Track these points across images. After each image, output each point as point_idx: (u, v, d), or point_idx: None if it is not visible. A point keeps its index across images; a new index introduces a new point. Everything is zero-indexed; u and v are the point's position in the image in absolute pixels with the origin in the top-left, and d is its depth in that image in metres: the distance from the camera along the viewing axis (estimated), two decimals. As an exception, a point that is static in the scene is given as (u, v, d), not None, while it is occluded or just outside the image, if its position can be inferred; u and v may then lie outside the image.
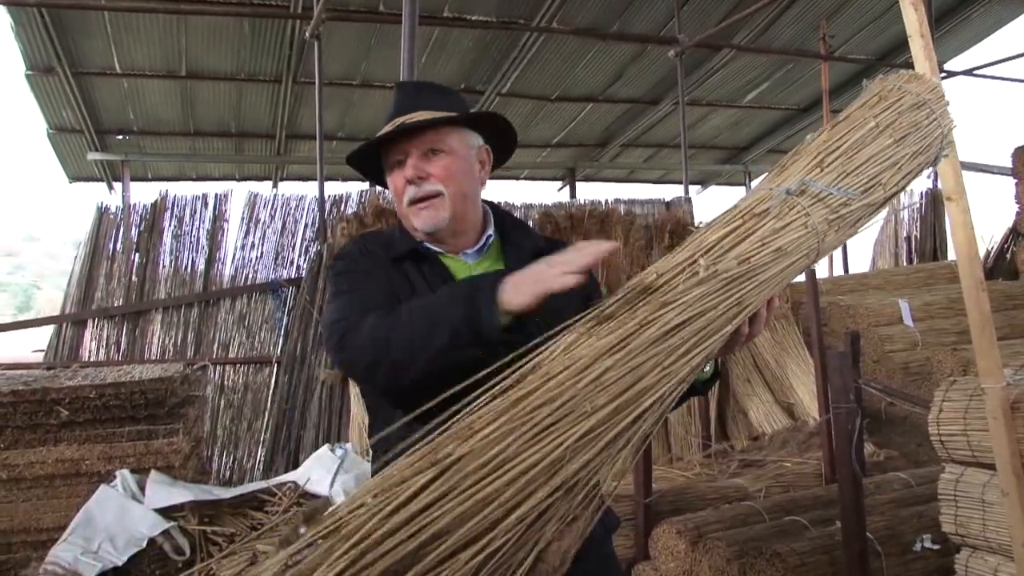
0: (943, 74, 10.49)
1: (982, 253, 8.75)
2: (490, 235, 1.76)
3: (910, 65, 2.12)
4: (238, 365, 7.35)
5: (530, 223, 7.25)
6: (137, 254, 7.51)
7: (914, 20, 2.11)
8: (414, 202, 1.69)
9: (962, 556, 2.52)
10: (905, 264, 9.98)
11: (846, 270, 9.03)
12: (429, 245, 1.73)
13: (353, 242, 1.79)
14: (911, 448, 5.38)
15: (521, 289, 1.34)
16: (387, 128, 1.68)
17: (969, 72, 11.18)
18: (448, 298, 1.44)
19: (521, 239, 1.78)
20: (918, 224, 10.47)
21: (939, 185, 10.83)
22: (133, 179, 10.54)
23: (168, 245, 7.58)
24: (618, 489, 3.70)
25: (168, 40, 8.39)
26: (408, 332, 1.44)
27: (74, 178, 11.16)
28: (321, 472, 4.79)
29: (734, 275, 1.25)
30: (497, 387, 1.15)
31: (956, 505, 2.49)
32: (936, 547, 3.08)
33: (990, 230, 9.12)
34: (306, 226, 7.82)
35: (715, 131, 12.92)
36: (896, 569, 3.07)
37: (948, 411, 2.52)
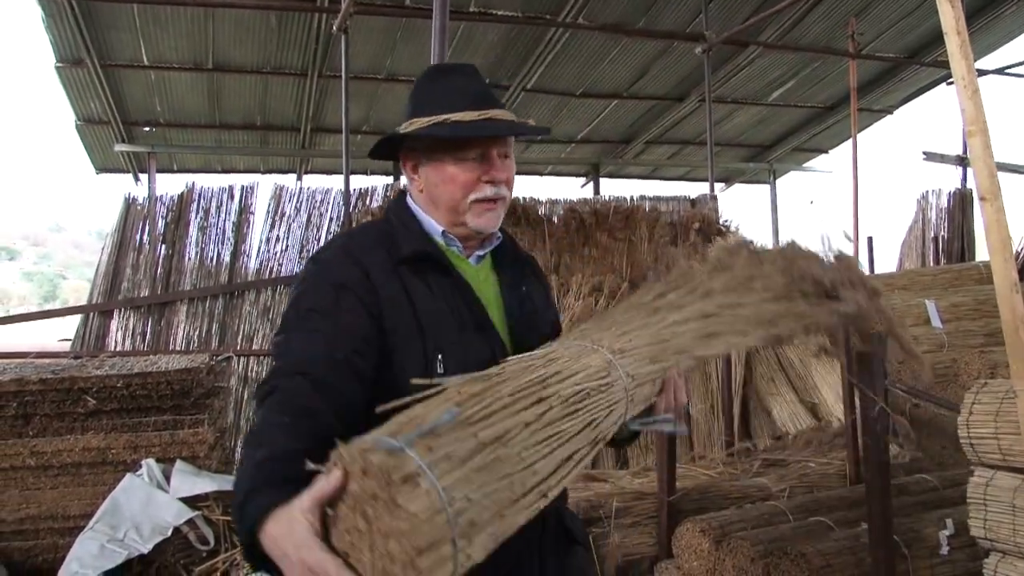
0: (973, 73, 10.35)
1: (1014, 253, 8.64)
2: (499, 237, 1.74)
3: (941, 63, 2.10)
4: (262, 357, 7.41)
5: (554, 219, 7.25)
6: (163, 245, 7.59)
7: (951, 16, 2.08)
8: (481, 201, 1.62)
9: (991, 561, 2.49)
10: (932, 265, 9.88)
11: (872, 270, 8.93)
12: (442, 244, 1.65)
13: (334, 245, 1.64)
14: (936, 450, 5.33)
15: (274, 549, 1.13)
16: (471, 116, 1.57)
17: (1001, 71, 11.04)
18: (248, 479, 1.25)
19: (508, 246, 1.77)
20: (946, 224, 10.36)
21: (968, 185, 10.72)
22: (159, 171, 10.64)
23: (194, 237, 7.65)
24: (642, 486, 3.69)
25: (195, 33, 8.44)
26: (241, 467, 1.32)
27: (101, 169, 11.26)
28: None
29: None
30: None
31: (986, 509, 2.46)
32: (952, 532, 3.06)
33: (1021, 231, 9.00)
34: (331, 220, 7.86)
35: (740, 129, 12.84)
36: (923, 572, 3.04)
37: (979, 413, 2.49)
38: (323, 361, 1.42)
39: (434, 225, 1.65)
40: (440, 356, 1.51)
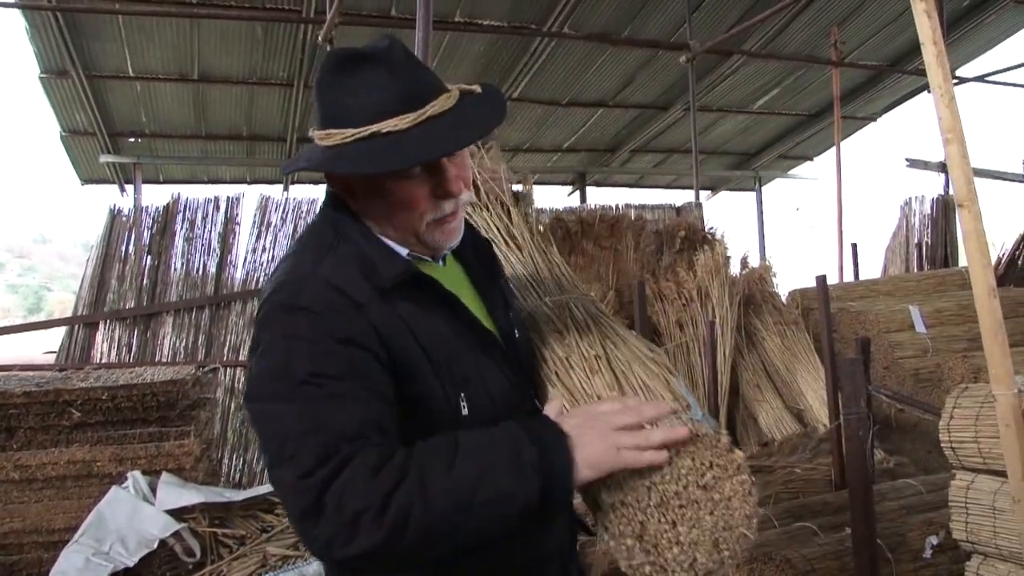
0: (955, 80, 10.45)
1: (994, 259, 8.72)
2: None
3: (923, 71, 2.13)
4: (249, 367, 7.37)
5: (540, 228, 7.24)
6: (149, 257, 7.54)
7: (927, 27, 2.10)
8: (439, 219, 1.34)
9: (973, 563, 2.51)
10: (916, 270, 9.95)
11: (856, 276, 8.99)
12: (416, 255, 1.39)
13: (312, 283, 1.25)
14: (921, 455, 5.36)
15: (594, 463, 1.20)
16: (407, 122, 1.24)
17: (981, 79, 11.16)
18: (507, 465, 1.15)
19: (467, 232, 1.49)
20: (929, 230, 10.43)
21: (950, 191, 10.80)
22: (145, 182, 10.62)
23: (180, 248, 7.61)
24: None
25: (181, 44, 8.44)
26: (450, 504, 1.11)
27: (86, 180, 11.22)
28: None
29: None
30: None
31: (967, 512, 2.48)
32: (939, 541, 3.09)
33: (1002, 236, 9.08)
34: (317, 230, 7.83)
35: (725, 137, 12.93)
36: (906, 576, 3.07)
37: (959, 418, 2.51)
38: (362, 423, 1.17)
39: (395, 245, 1.37)
40: (463, 395, 1.31)
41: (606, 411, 1.25)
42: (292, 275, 1.29)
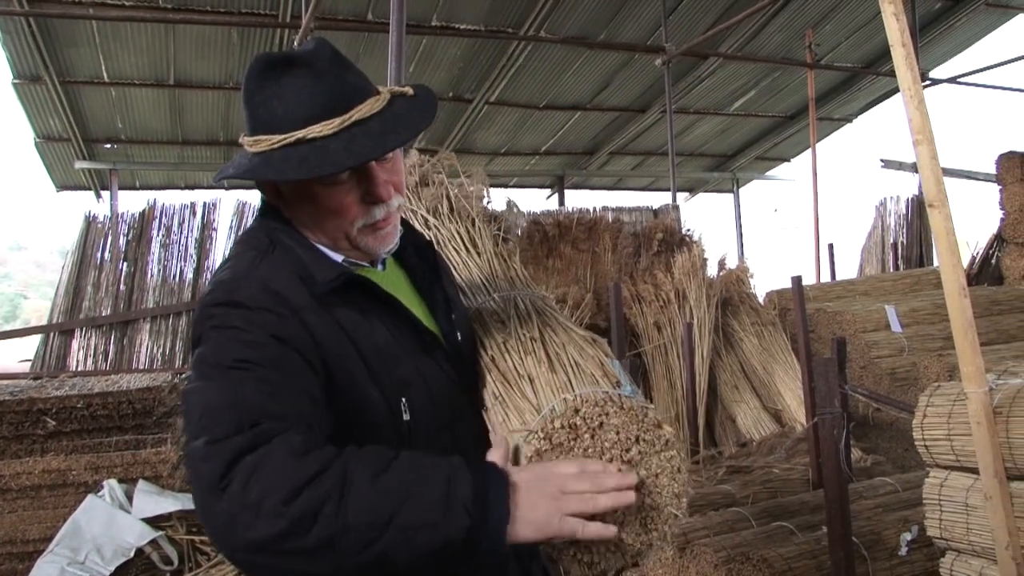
0: (927, 82, 10.58)
1: (967, 259, 8.81)
2: (401, 229, 1.44)
3: (895, 73, 2.15)
4: (227, 374, 7.32)
5: (518, 232, 7.27)
6: (125, 263, 7.50)
7: (896, 29, 2.13)
8: (371, 225, 1.33)
9: (947, 560, 2.53)
10: (892, 270, 10.04)
11: (833, 276, 9.06)
12: (352, 261, 1.37)
13: (249, 283, 1.24)
14: (898, 453, 5.41)
15: (537, 525, 1.08)
16: (332, 128, 1.23)
17: (953, 80, 11.28)
18: (437, 491, 1.04)
19: (407, 233, 1.49)
20: (904, 230, 10.54)
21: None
22: (121, 188, 10.54)
23: (156, 254, 7.57)
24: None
25: (156, 49, 8.39)
26: (365, 515, 1.01)
27: (61, 187, 11.13)
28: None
29: None
30: None
31: (941, 509, 2.50)
32: (914, 536, 3.12)
33: (975, 236, 9.19)
34: (294, 234, 7.81)
35: (702, 139, 13.00)
36: (883, 573, 3.09)
37: (932, 416, 2.53)
38: (289, 410, 1.12)
39: (330, 252, 1.35)
40: (404, 400, 1.28)
41: (561, 472, 1.12)
42: (229, 276, 1.27)
